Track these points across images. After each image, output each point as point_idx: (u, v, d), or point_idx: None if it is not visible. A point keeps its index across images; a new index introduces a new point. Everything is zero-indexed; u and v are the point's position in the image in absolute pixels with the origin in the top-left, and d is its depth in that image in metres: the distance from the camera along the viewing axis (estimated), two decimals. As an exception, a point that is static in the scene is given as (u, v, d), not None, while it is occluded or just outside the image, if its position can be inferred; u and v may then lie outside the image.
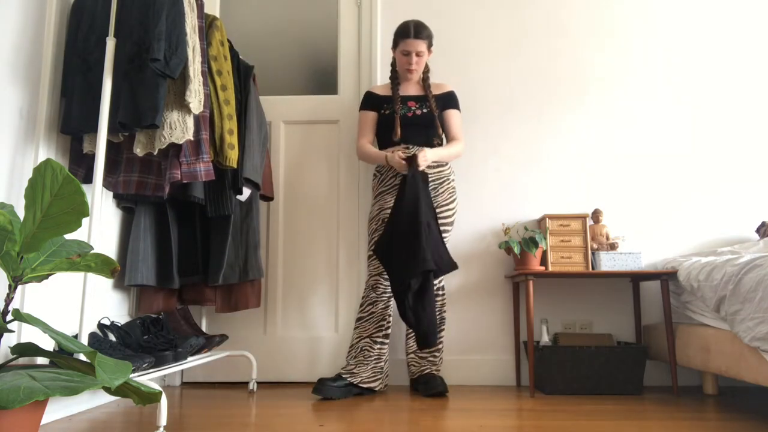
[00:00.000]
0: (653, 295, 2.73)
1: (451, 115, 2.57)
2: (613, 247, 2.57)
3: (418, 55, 2.49)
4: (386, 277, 2.37)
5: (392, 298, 2.41)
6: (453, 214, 2.49)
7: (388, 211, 2.42)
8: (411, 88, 2.59)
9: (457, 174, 2.84)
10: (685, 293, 2.41)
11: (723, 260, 2.15)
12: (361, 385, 2.32)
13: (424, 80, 2.59)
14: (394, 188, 2.45)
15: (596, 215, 2.67)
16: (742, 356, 1.95)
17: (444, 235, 2.45)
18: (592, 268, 2.57)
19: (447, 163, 2.53)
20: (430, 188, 2.43)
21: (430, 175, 2.45)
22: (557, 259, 2.55)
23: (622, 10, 2.97)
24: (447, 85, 2.68)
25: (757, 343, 1.83)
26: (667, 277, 2.42)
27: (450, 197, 2.49)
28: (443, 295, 2.48)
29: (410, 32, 2.46)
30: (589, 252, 2.54)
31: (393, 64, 2.61)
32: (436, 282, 2.44)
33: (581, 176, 2.84)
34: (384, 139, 2.54)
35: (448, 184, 2.50)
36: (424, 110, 2.51)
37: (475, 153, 2.86)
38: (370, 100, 2.59)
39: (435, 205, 2.43)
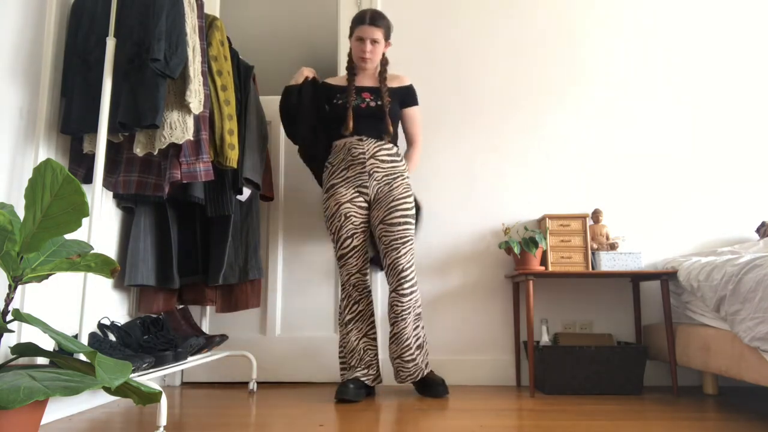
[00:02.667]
0: (653, 295, 2.73)
1: (411, 113, 2.52)
2: (613, 247, 2.57)
3: (373, 42, 2.39)
4: (363, 272, 2.36)
5: (371, 292, 2.40)
6: (412, 207, 2.39)
7: (347, 205, 2.35)
8: (367, 80, 2.49)
9: (457, 173, 2.84)
10: (685, 293, 2.41)
11: (723, 260, 2.15)
12: (370, 384, 2.33)
13: (381, 73, 2.49)
14: (347, 180, 2.37)
15: (596, 215, 2.67)
16: (742, 356, 1.95)
17: (408, 227, 2.35)
18: (592, 268, 2.57)
19: (401, 159, 2.44)
20: (385, 183, 2.37)
21: (383, 171, 2.37)
22: (557, 259, 2.55)
23: (622, 10, 2.97)
24: (406, 78, 2.56)
25: (757, 343, 1.83)
26: (667, 277, 2.42)
27: (405, 191, 2.39)
28: (417, 290, 2.34)
29: (366, 19, 2.37)
30: (589, 252, 2.54)
31: (350, 54, 2.49)
32: (409, 278, 2.32)
33: (581, 176, 2.84)
34: (335, 130, 2.44)
35: (403, 179, 2.40)
36: (378, 102, 2.41)
37: (475, 153, 2.86)
38: (323, 90, 2.51)
39: (391, 199, 2.35)
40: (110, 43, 1.83)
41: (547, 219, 2.59)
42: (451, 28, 2.97)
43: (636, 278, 2.65)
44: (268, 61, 3.07)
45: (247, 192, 2.49)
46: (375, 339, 2.37)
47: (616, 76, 2.92)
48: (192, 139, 1.98)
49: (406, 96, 2.52)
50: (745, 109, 2.88)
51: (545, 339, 2.48)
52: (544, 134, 2.88)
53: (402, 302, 2.30)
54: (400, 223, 2.34)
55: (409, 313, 2.32)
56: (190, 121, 1.94)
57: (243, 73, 2.48)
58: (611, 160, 2.85)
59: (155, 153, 1.95)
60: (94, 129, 1.87)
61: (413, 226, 2.39)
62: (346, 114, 2.38)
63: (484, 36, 2.96)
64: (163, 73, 1.80)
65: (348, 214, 2.35)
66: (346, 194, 2.37)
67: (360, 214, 2.37)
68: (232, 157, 2.21)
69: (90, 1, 1.98)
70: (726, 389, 2.55)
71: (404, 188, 2.40)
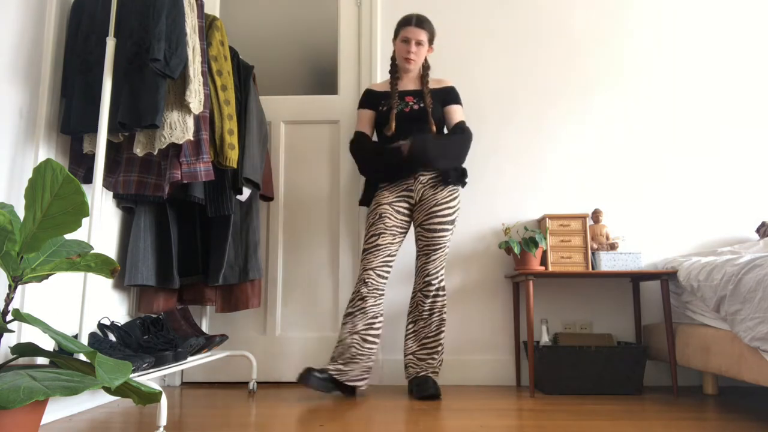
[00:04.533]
0: (653, 295, 2.73)
1: (452, 110, 2.53)
2: (613, 247, 2.57)
3: (417, 44, 2.45)
4: (379, 272, 2.34)
5: (383, 295, 2.37)
6: (453, 212, 2.41)
7: (385, 207, 2.39)
8: (410, 84, 2.55)
9: (457, 174, 2.84)
10: (685, 293, 2.41)
11: (723, 260, 2.15)
12: (347, 383, 2.28)
13: (423, 76, 2.54)
14: (393, 185, 2.44)
15: (596, 215, 2.67)
16: (742, 356, 1.95)
17: (444, 234, 2.39)
18: (592, 268, 2.57)
19: None
20: (430, 186, 2.41)
21: (429, 174, 2.43)
22: (557, 259, 2.55)
23: (623, 10, 2.97)
24: (447, 80, 2.63)
25: (757, 343, 1.83)
26: (667, 277, 2.42)
27: (449, 195, 2.42)
28: (444, 295, 2.41)
29: (412, 20, 2.45)
30: (589, 252, 2.54)
31: (393, 58, 2.57)
32: (435, 282, 2.39)
33: (581, 176, 2.84)
34: (379, 134, 2.52)
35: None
36: (421, 105, 2.47)
37: (475, 153, 2.86)
38: (369, 98, 2.56)
39: (432, 204, 2.39)
40: (110, 43, 1.83)
41: (547, 219, 2.59)
42: (451, 28, 2.97)
43: (636, 278, 2.65)
44: (268, 61, 3.07)
45: (247, 192, 2.49)
46: (367, 341, 2.30)
47: (616, 76, 2.92)
48: (192, 139, 1.98)
49: (447, 96, 2.55)
50: (745, 110, 2.88)
51: (545, 339, 2.48)
52: (544, 134, 2.88)
53: (425, 303, 2.39)
54: (436, 230, 2.39)
55: (432, 313, 2.38)
56: (190, 121, 1.94)
57: (243, 73, 2.48)
58: (611, 160, 2.85)
59: (155, 153, 1.95)
60: (94, 129, 1.87)
61: (450, 232, 2.42)
62: (389, 117, 2.44)
63: (484, 36, 2.96)
64: (163, 73, 1.80)
65: (383, 214, 2.39)
66: (389, 197, 2.43)
67: (394, 217, 2.40)
68: (232, 157, 2.21)
69: (90, 1, 1.98)
70: (726, 389, 2.55)
71: (448, 192, 2.43)
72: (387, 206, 2.40)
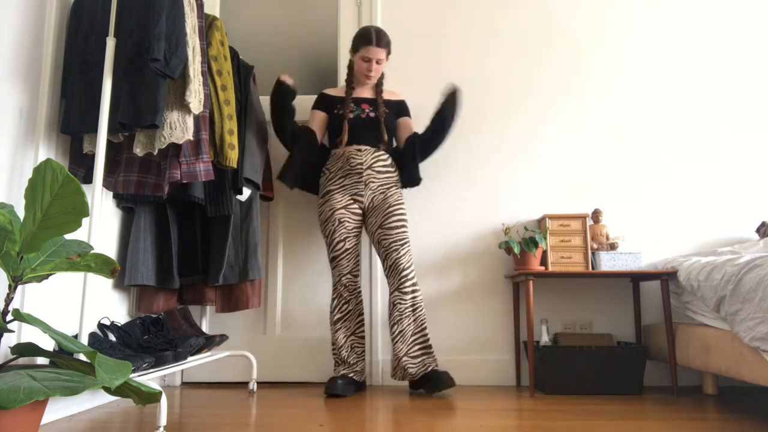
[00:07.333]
0: (653, 295, 2.73)
1: (407, 122, 2.63)
2: (613, 247, 2.57)
3: (378, 62, 2.52)
4: (355, 274, 2.43)
5: (361, 293, 2.48)
6: (406, 214, 2.49)
7: (341, 211, 2.44)
8: (366, 92, 2.62)
9: (457, 174, 2.84)
10: (685, 293, 2.41)
11: (723, 260, 2.15)
12: (361, 380, 2.44)
13: (377, 86, 2.62)
14: (343, 188, 2.46)
15: (596, 215, 2.67)
16: (742, 356, 1.95)
17: (405, 229, 2.43)
18: (592, 268, 2.57)
19: (395, 169, 2.54)
20: (380, 193, 2.47)
21: (379, 181, 2.48)
22: (557, 259, 2.55)
23: (621, 9, 2.97)
24: (398, 93, 2.79)
25: (757, 343, 1.83)
26: (667, 277, 2.42)
27: (399, 198, 2.49)
28: (419, 289, 2.43)
29: (372, 40, 2.47)
30: (589, 252, 2.54)
31: (350, 67, 2.62)
32: (410, 276, 2.39)
33: (581, 176, 2.84)
34: (331, 138, 2.59)
35: (397, 188, 2.51)
36: (376, 113, 2.55)
37: (475, 153, 2.86)
38: (323, 101, 2.60)
39: (387, 206, 2.44)
40: (110, 43, 1.83)
41: (547, 219, 2.59)
42: (450, 28, 2.97)
43: (636, 278, 2.65)
44: (268, 61, 3.07)
45: (247, 192, 2.49)
46: (363, 337, 2.46)
47: (615, 77, 2.92)
48: (192, 139, 1.98)
49: (401, 109, 2.66)
50: (745, 110, 2.88)
51: (545, 339, 2.48)
52: (545, 134, 2.88)
53: (405, 300, 2.38)
54: (398, 227, 2.44)
55: (413, 310, 2.39)
56: (189, 121, 1.94)
57: (243, 73, 2.48)
58: (611, 160, 2.85)
59: (155, 153, 1.95)
60: (94, 129, 1.87)
61: (408, 230, 2.49)
62: (342, 125, 2.50)
63: (483, 36, 2.96)
64: (163, 73, 1.80)
65: (342, 219, 2.44)
66: (341, 200, 2.46)
67: (353, 219, 2.46)
68: (232, 157, 2.21)
69: (90, 2, 1.98)
70: (726, 389, 2.55)
71: (398, 196, 2.51)
72: (343, 210, 2.44)
